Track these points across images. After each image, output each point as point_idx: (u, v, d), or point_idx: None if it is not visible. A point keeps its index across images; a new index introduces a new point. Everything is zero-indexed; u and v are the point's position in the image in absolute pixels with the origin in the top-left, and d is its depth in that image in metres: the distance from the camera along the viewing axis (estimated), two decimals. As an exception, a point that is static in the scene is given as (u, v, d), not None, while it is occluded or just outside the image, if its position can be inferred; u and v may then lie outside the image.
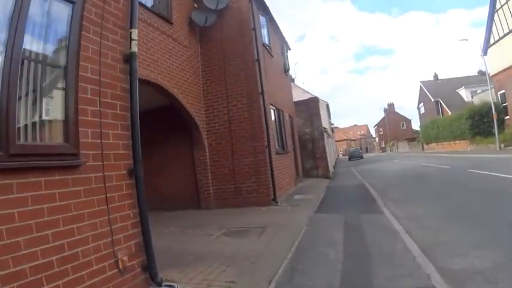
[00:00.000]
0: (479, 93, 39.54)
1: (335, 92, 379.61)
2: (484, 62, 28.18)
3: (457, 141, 36.39)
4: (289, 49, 19.82)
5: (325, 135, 23.48)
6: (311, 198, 11.49)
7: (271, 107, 12.66)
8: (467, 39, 29.10)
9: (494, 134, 27.87)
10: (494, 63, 27.70)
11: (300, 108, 20.74)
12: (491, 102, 27.34)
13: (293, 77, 44.79)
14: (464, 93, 46.74)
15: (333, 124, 64.26)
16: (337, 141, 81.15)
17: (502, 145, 25.61)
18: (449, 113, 42.95)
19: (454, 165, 18.57)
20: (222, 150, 11.01)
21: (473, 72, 52.31)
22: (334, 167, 31.77)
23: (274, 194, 10.53)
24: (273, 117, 12.76)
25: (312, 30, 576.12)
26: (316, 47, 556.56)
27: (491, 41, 28.24)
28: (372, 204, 9.90)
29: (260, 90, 10.86)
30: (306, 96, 23.02)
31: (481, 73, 51.11)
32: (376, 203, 10.01)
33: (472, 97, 42.79)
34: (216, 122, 11.14)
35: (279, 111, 14.06)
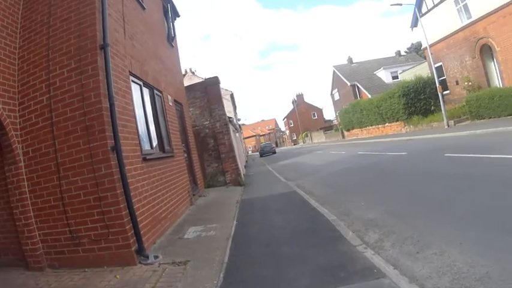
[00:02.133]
0: (401, 73, 39.62)
1: (241, 89, 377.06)
2: (423, 31, 25.20)
3: (387, 124, 34.40)
4: (178, 15, 15.24)
5: (231, 127, 19.03)
6: (214, 236, 6.83)
7: (134, 80, 7.83)
8: (401, 4, 26.29)
9: (433, 112, 27.21)
10: (428, 34, 25.74)
11: (195, 95, 16.22)
12: (434, 74, 25.60)
13: (193, 70, 42.26)
14: (383, 74, 46.85)
15: (239, 120, 61.43)
16: (245, 138, 78.24)
17: (452, 122, 23.66)
18: (369, 96, 42.27)
19: (411, 150, 15.45)
20: (43, 162, 6.04)
21: (391, 53, 53.28)
22: (245, 166, 27.70)
23: (139, 240, 5.73)
24: (136, 98, 7.76)
25: (216, 29, 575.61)
26: (221, 46, 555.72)
27: (424, 9, 27.38)
28: (336, 242, 5.39)
29: (101, 42, 6.03)
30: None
31: (399, 54, 52.60)
32: (342, 236, 5.63)
33: (392, 78, 43.71)
34: (33, 111, 6.18)
35: (153, 91, 9.20)
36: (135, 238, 5.67)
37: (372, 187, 9.47)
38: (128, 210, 5.66)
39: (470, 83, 24.02)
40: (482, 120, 20.78)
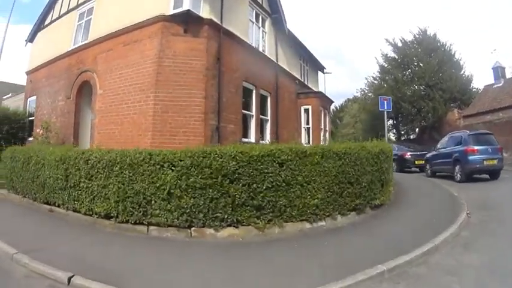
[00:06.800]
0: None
1: None
2: (32, 48, 18.79)
3: None
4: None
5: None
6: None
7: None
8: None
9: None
10: (39, 54, 18.03)
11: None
12: (27, 107, 18.80)
13: None
14: None
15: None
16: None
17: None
18: None
19: None
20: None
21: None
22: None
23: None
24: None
25: None
26: None
27: (47, 22, 18.35)
28: None
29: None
30: None
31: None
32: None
33: None
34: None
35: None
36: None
37: None
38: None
39: (52, 133, 14.47)
40: (17, 196, 10.70)
